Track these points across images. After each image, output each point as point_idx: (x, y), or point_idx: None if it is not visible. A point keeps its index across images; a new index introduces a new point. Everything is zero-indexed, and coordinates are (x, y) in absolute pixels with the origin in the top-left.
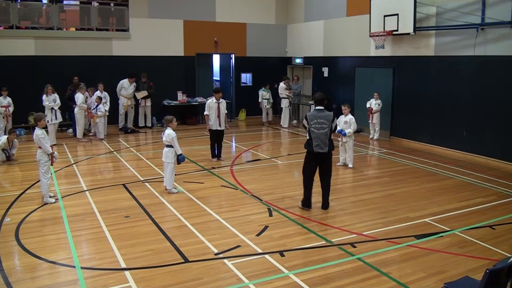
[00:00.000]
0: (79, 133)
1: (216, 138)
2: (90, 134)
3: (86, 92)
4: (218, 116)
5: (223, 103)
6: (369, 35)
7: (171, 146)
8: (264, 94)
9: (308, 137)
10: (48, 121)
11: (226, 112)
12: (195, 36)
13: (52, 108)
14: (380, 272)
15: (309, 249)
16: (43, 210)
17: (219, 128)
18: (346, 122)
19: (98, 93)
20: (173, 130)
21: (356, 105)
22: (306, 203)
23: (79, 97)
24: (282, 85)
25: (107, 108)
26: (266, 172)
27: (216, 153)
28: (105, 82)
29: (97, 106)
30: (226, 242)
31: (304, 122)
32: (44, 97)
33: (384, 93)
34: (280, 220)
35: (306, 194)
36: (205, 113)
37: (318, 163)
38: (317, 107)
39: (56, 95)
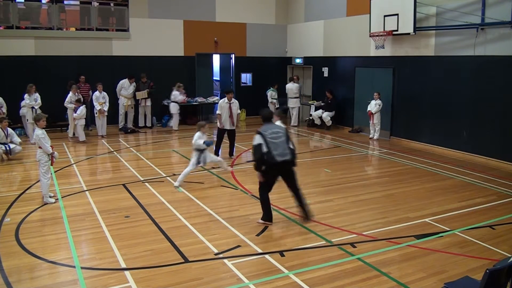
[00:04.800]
0: (69, 131)
1: (222, 137)
2: (89, 129)
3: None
4: (230, 116)
5: (234, 103)
6: (369, 35)
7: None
8: (273, 95)
9: (265, 150)
10: (27, 120)
11: (239, 112)
12: (195, 36)
13: (33, 107)
14: (380, 272)
15: (309, 249)
16: (43, 210)
17: (230, 128)
18: None
19: (97, 93)
20: (203, 133)
21: (356, 105)
22: (270, 217)
23: (68, 96)
24: (296, 85)
25: (106, 108)
26: None
27: (219, 152)
28: (105, 82)
29: (76, 109)
30: (226, 242)
31: (257, 138)
32: (26, 96)
33: (384, 93)
34: (280, 220)
35: (268, 208)
36: (217, 112)
37: (280, 174)
38: (267, 123)
39: (37, 94)
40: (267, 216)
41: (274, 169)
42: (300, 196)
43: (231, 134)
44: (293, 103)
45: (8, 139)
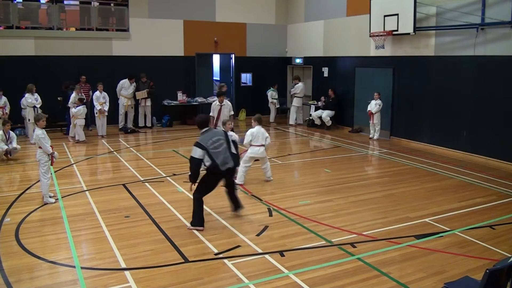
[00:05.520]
0: (70, 132)
1: None
2: (89, 129)
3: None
4: (220, 118)
5: (226, 105)
6: (369, 35)
7: None
8: (273, 95)
9: (209, 163)
10: (29, 120)
11: (231, 113)
12: (195, 36)
13: (34, 107)
14: (380, 272)
15: (309, 249)
16: (43, 210)
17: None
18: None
19: (97, 93)
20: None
21: (356, 105)
22: (201, 222)
23: (71, 96)
24: (303, 85)
25: (106, 108)
26: None
27: None
28: (105, 82)
29: (76, 107)
30: (226, 242)
31: (197, 151)
32: (27, 95)
33: (384, 93)
34: (280, 220)
35: (201, 213)
36: (210, 114)
37: (222, 179)
38: (203, 129)
39: (37, 94)
40: (199, 221)
41: (218, 176)
42: (234, 192)
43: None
44: (300, 102)
45: (8, 142)
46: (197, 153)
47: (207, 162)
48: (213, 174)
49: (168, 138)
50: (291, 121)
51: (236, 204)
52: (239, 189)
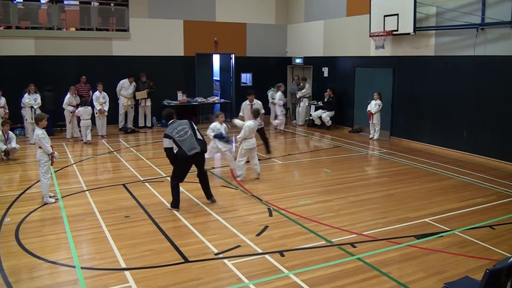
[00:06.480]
0: (67, 133)
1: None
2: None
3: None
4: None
5: (256, 104)
6: (369, 35)
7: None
8: (274, 95)
9: (177, 150)
10: (26, 119)
11: (262, 111)
12: (195, 36)
13: (32, 107)
14: (380, 272)
15: (309, 249)
16: (43, 210)
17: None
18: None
19: (97, 93)
20: (220, 123)
21: (356, 105)
22: (177, 204)
23: (66, 98)
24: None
25: (106, 108)
26: (266, 172)
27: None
28: (105, 82)
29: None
30: (226, 242)
31: (166, 142)
32: (26, 95)
33: (384, 93)
34: (280, 220)
35: (177, 195)
36: (240, 114)
37: (192, 165)
38: (169, 121)
39: (37, 95)
40: (175, 203)
41: (188, 160)
42: (206, 179)
43: (261, 133)
44: (306, 102)
45: (7, 142)
46: (165, 143)
47: (175, 149)
48: (182, 159)
49: None
50: (301, 121)
51: (207, 193)
52: (238, 189)
